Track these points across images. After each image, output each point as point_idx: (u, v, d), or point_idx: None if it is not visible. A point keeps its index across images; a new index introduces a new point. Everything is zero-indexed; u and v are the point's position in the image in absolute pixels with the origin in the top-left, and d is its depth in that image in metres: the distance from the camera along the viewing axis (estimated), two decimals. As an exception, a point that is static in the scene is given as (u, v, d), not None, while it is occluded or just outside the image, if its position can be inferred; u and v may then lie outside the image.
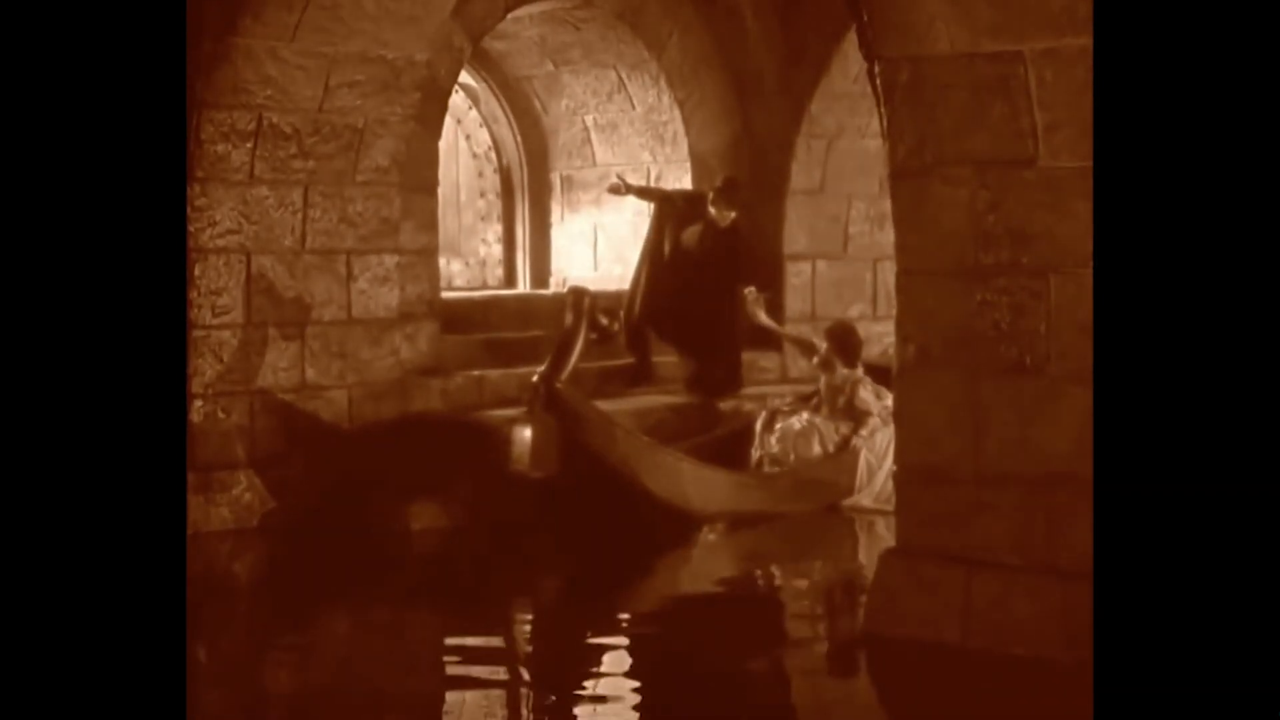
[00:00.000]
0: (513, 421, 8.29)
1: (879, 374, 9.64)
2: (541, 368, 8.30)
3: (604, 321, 8.45)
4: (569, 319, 8.33)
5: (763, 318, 10.00)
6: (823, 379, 9.59)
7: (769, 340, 10.87)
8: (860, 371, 9.52)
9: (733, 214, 10.04)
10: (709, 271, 10.03)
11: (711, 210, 10.05)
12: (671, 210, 10.38)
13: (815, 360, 9.67)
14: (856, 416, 9.34)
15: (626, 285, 10.51)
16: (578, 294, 8.50)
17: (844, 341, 9.58)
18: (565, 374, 8.22)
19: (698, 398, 10.13)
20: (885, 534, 8.29)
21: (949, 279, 5.81)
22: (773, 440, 9.39)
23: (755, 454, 9.44)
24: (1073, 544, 5.38)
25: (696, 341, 10.21)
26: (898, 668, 5.82)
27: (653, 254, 10.36)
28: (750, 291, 9.90)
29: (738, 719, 5.48)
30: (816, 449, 9.30)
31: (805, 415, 9.46)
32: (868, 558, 8.06)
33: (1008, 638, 5.62)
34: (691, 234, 10.15)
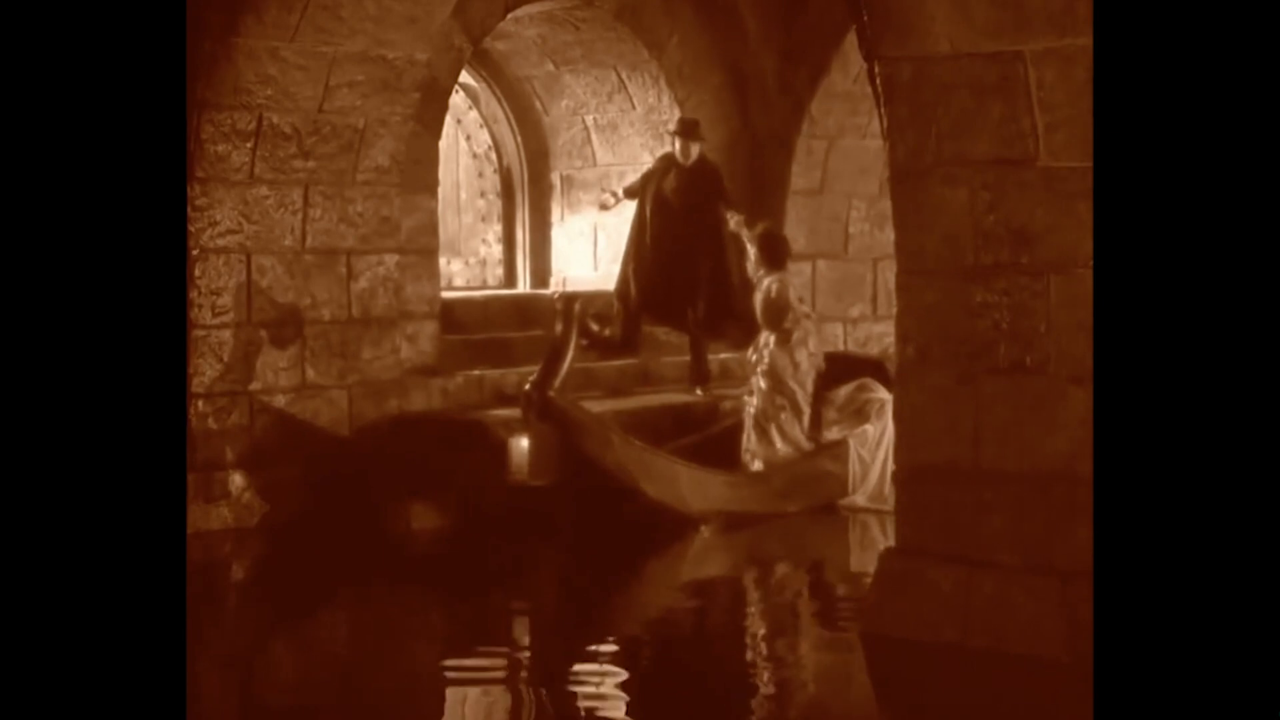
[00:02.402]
0: (509, 430, 8.29)
1: (873, 368, 9.66)
2: (533, 376, 8.32)
3: (595, 327, 8.44)
4: (559, 327, 8.33)
5: (744, 233, 9.84)
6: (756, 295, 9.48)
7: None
8: (787, 274, 9.43)
9: (695, 149, 10.11)
10: (688, 214, 10.04)
11: (675, 152, 10.16)
12: (651, 178, 10.45)
13: (748, 265, 9.57)
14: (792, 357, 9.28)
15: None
16: (567, 301, 8.51)
17: (766, 244, 9.43)
18: (557, 381, 8.23)
19: (710, 344, 10.04)
20: (879, 533, 8.30)
21: (949, 279, 5.81)
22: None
23: None
24: (1072, 544, 5.38)
25: (692, 295, 10.16)
26: (897, 667, 5.81)
27: (638, 226, 10.40)
28: (735, 216, 9.86)
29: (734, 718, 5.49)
30: (753, 437, 9.25)
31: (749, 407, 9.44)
32: (862, 557, 8.07)
33: (1007, 637, 5.62)
34: (667, 183, 10.25)
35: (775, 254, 9.43)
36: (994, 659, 5.60)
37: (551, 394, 8.19)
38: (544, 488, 8.19)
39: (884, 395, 9.16)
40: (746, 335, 9.88)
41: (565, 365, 8.29)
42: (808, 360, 9.26)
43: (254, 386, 8.79)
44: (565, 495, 8.36)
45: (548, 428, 8.20)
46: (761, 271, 9.37)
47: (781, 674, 6.19)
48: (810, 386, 9.29)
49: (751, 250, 9.49)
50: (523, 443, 8.15)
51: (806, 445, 9.19)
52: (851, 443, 9.16)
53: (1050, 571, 5.55)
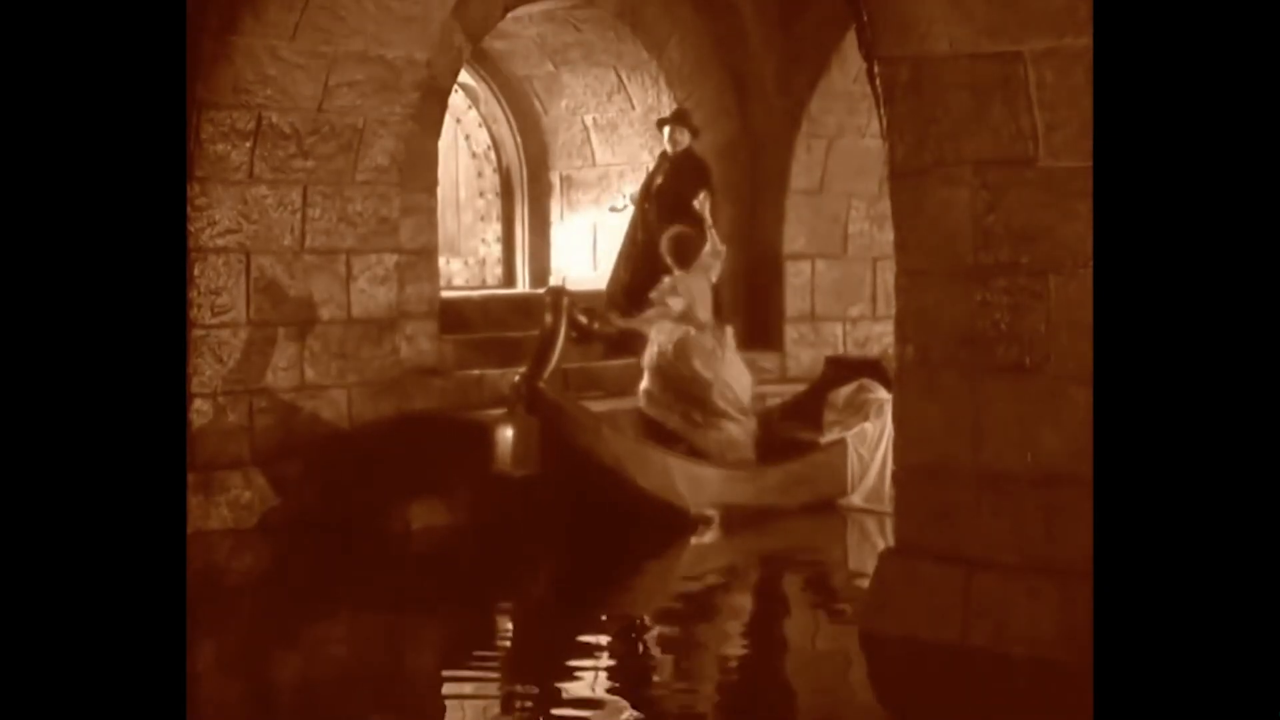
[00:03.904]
0: (496, 422, 8.32)
1: (871, 368, 9.67)
2: (523, 369, 8.33)
3: (583, 320, 8.45)
4: (548, 319, 8.35)
5: (706, 214, 9.88)
6: None
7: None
8: (691, 276, 9.34)
9: (684, 137, 10.28)
10: (673, 206, 10.09)
11: (666, 143, 10.36)
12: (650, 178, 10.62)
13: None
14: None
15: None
16: (556, 293, 8.53)
17: (673, 247, 9.40)
18: (547, 374, 8.25)
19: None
20: (877, 534, 8.29)
21: (949, 279, 5.81)
22: None
23: None
24: (1072, 544, 5.38)
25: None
26: (896, 667, 5.81)
27: (630, 223, 10.50)
28: (702, 194, 9.93)
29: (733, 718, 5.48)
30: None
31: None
32: (860, 558, 8.08)
33: (1006, 637, 5.62)
34: (656, 177, 10.37)
35: (681, 254, 9.41)
36: (993, 659, 5.60)
37: (541, 385, 8.21)
38: (529, 479, 8.20)
39: (883, 395, 9.19)
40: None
41: (554, 358, 8.32)
42: (704, 367, 9.17)
43: (253, 386, 8.79)
44: (552, 488, 8.38)
45: (537, 419, 8.22)
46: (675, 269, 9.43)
47: (780, 673, 6.19)
48: (729, 395, 9.23)
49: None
50: (507, 433, 8.17)
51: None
52: (850, 441, 9.17)
53: (1050, 571, 5.55)
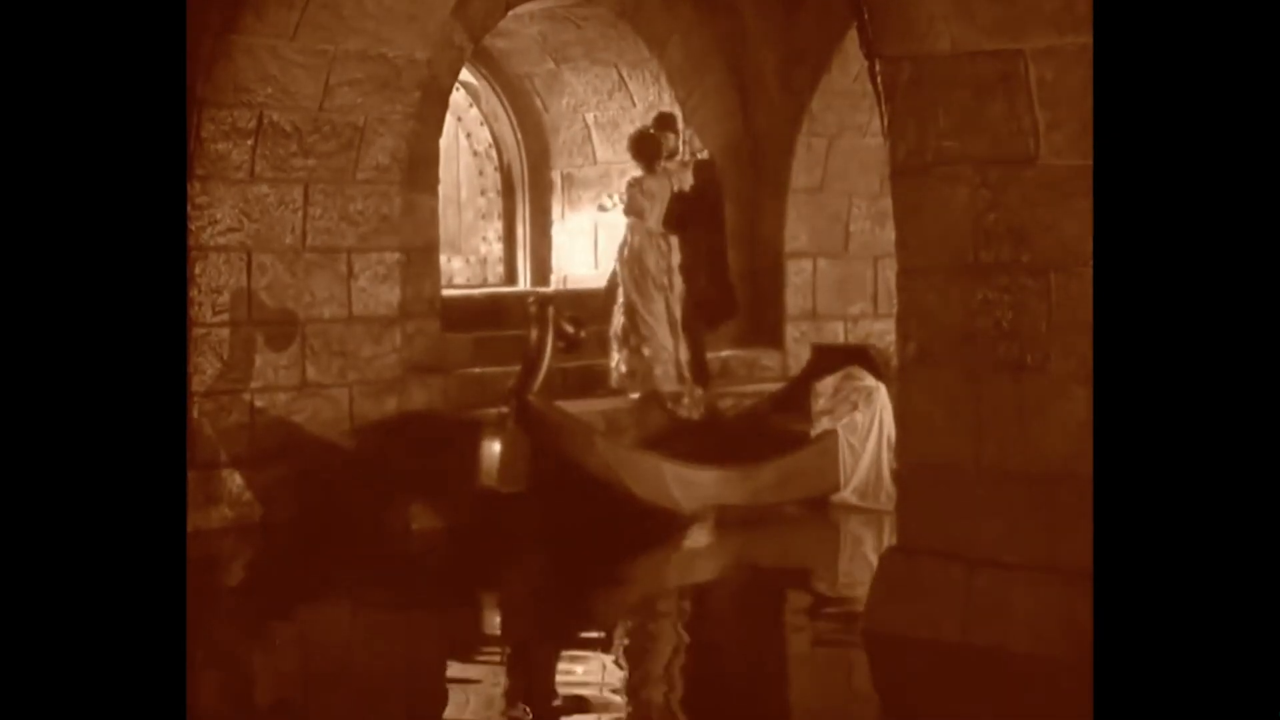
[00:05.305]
0: (483, 436, 8.31)
1: (859, 356, 9.68)
2: (511, 382, 8.32)
3: (569, 330, 8.43)
4: (534, 333, 8.30)
5: (668, 141, 10.08)
6: None
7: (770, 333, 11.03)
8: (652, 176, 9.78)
9: (673, 141, 10.40)
10: (679, 206, 10.14)
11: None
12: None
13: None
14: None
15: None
16: (541, 304, 8.49)
17: (633, 144, 9.98)
18: (536, 386, 8.22)
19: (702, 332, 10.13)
20: (874, 532, 8.29)
21: (950, 277, 5.81)
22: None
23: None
24: (1073, 543, 5.37)
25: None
26: (897, 665, 5.81)
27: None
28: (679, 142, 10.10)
29: (736, 718, 5.48)
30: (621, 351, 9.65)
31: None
32: (857, 557, 8.08)
33: (1007, 636, 5.62)
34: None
35: (642, 152, 9.84)
36: (995, 658, 5.60)
37: (530, 399, 8.18)
38: (517, 495, 8.19)
39: (871, 382, 9.20)
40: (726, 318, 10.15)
41: (543, 370, 8.28)
42: (655, 262, 9.64)
43: (254, 385, 8.79)
44: (541, 501, 8.36)
45: (522, 433, 8.19)
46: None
47: (780, 672, 6.18)
48: (656, 291, 9.57)
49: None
50: (494, 448, 8.15)
51: (671, 378, 9.56)
52: (841, 431, 9.15)
53: (1051, 570, 5.55)
